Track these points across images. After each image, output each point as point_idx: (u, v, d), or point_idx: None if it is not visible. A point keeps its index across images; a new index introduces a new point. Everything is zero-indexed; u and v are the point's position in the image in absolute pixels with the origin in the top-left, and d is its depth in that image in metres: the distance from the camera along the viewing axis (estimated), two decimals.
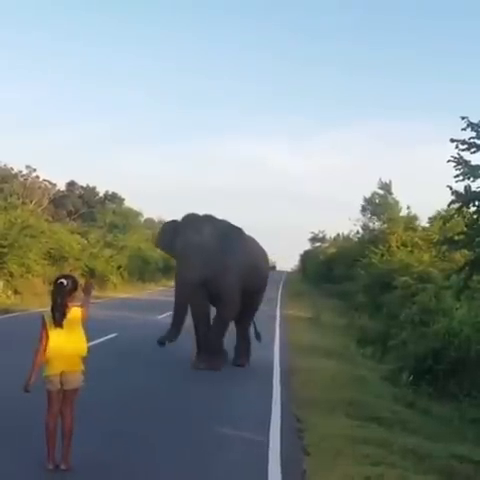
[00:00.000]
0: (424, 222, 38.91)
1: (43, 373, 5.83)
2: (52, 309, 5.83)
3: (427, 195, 74.74)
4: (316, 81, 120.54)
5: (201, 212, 13.15)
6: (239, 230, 12.95)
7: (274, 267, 62.39)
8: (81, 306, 5.93)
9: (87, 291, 6.11)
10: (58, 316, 5.79)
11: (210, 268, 12.18)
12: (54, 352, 5.77)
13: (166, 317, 15.34)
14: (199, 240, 12.30)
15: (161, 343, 12.03)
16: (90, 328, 6.21)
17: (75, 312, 5.85)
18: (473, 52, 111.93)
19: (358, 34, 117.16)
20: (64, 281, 5.89)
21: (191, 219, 12.86)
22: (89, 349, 6.05)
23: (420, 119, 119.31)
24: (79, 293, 6.02)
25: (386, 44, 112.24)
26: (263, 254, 14.43)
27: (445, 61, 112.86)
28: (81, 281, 6.16)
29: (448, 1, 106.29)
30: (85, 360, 6.01)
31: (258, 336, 14.01)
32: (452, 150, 11.94)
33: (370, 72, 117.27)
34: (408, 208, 41.45)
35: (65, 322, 5.80)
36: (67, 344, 5.80)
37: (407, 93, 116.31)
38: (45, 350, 5.79)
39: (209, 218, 12.95)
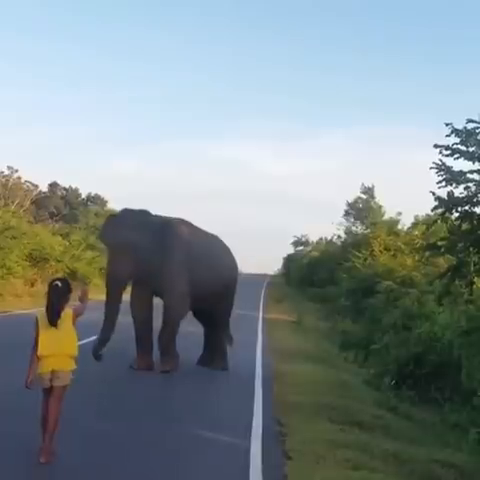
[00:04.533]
0: (407, 226, 39.20)
1: (37, 371, 6.07)
2: (47, 309, 6.10)
3: (411, 199, 75.13)
4: (301, 85, 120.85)
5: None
6: (190, 226, 12.85)
7: None
8: (75, 308, 6.21)
9: (83, 298, 6.38)
10: (53, 316, 6.06)
11: (146, 264, 11.96)
12: (46, 351, 6.01)
13: None
14: (125, 236, 12.05)
15: (97, 357, 11.54)
16: None
17: (67, 313, 6.14)
18: (458, 57, 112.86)
19: (342, 39, 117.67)
20: (59, 283, 6.20)
21: (125, 215, 12.77)
22: None
23: (405, 124, 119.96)
24: (72, 295, 6.27)
25: (371, 49, 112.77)
26: (226, 253, 13.83)
27: (429, 66, 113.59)
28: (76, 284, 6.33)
29: (433, 6, 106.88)
30: (76, 359, 6.22)
31: (230, 340, 13.71)
32: (436, 154, 12.00)
33: (355, 76, 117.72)
34: (400, 214, 41.66)
35: (59, 322, 6.06)
36: (59, 344, 6.06)
37: (392, 97, 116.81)
38: (37, 349, 6.03)
39: (143, 213, 12.73)
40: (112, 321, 11.98)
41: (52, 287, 6.18)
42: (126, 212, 12.86)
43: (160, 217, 12.81)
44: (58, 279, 6.43)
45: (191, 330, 13.86)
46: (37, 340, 6.05)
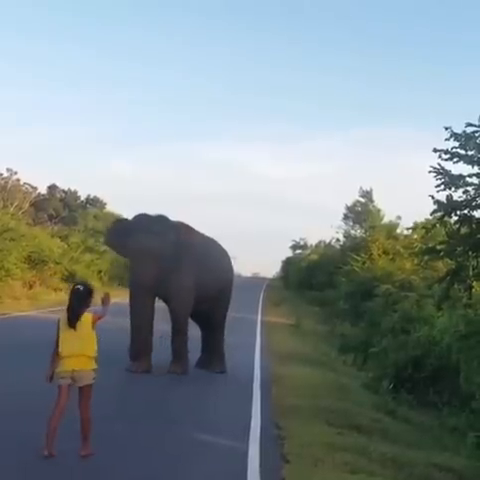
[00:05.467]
0: (406, 229, 39.20)
1: (56, 369, 6.37)
2: (67, 311, 6.41)
3: (410, 203, 75.20)
4: (298, 88, 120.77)
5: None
6: (191, 230, 12.92)
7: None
8: (96, 312, 6.54)
9: (105, 301, 6.67)
10: (72, 318, 6.37)
11: (162, 270, 12.10)
12: (66, 351, 6.33)
13: None
14: (152, 242, 12.16)
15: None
16: None
17: (87, 317, 6.44)
18: (456, 59, 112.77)
19: (340, 42, 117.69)
20: (80, 287, 6.53)
21: (143, 220, 12.75)
22: None
23: (403, 126, 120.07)
24: (94, 300, 6.59)
25: (369, 51, 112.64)
26: (223, 256, 14.04)
27: (428, 68, 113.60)
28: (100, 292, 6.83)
29: (432, 9, 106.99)
30: (96, 360, 6.48)
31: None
32: (435, 157, 12.00)
33: (353, 79, 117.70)
34: (399, 218, 41.68)
35: (78, 325, 6.36)
36: (78, 345, 6.35)
37: (390, 100, 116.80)
38: (57, 349, 6.38)
39: (161, 218, 12.82)
40: (144, 333, 12.11)
41: (74, 291, 6.50)
42: (145, 217, 12.84)
43: (177, 222, 12.89)
44: (80, 283, 6.74)
45: (189, 333, 13.83)
46: (58, 340, 6.39)
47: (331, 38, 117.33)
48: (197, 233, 13.14)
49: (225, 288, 13.59)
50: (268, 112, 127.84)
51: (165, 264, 12.13)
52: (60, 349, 6.35)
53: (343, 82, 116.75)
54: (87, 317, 6.44)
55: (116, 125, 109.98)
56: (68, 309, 6.43)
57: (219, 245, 13.99)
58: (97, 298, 6.66)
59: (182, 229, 12.73)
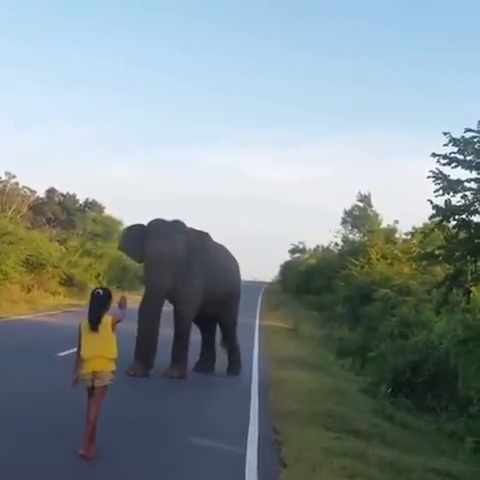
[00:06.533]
0: (404, 233, 39.22)
1: (79, 372, 6.61)
2: (89, 315, 6.66)
3: (409, 207, 75.22)
4: (298, 93, 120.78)
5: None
6: (206, 235, 13.11)
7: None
8: (115, 315, 6.76)
9: (122, 304, 6.95)
10: (94, 321, 6.61)
11: (176, 276, 12.27)
12: (88, 354, 6.57)
13: None
14: (168, 248, 12.31)
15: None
16: (70, 336, 6.37)
17: (107, 320, 6.68)
18: (453, 63, 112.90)
19: (339, 46, 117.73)
20: (100, 292, 6.82)
21: (159, 225, 12.82)
22: (70, 356, 6.22)
23: (401, 131, 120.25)
24: (112, 304, 6.81)
25: (367, 56, 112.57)
26: (231, 261, 14.34)
27: (426, 73, 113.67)
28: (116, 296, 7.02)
29: (431, 12, 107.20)
30: (116, 361, 6.72)
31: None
32: (434, 162, 12.00)
33: (352, 84, 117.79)
34: (396, 222, 41.67)
35: (99, 327, 6.60)
36: (100, 347, 6.60)
37: (388, 105, 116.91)
38: (80, 353, 6.61)
39: (176, 224, 12.94)
40: (150, 338, 12.20)
41: (94, 295, 6.77)
42: (160, 222, 12.91)
43: (191, 228, 13.06)
44: (100, 288, 7.06)
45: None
46: (80, 344, 6.62)
47: (330, 43, 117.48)
48: (207, 238, 13.28)
49: (233, 292, 13.90)
50: (268, 117, 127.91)
51: (178, 269, 12.30)
52: (82, 352, 6.58)
53: (343, 88, 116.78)
54: (107, 320, 6.68)
55: (115, 129, 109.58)
56: (90, 313, 6.66)
57: (227, 250, 14.29)
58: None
59: (193, 235, 12.91)
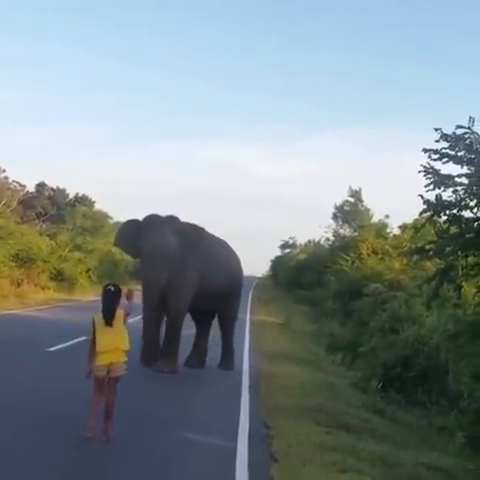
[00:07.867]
0: (395, 229, 39.34)
1: (94, 363, 6.92)
2: (103, 311, 6.98)
3: (403, 201, 75.30)
4: (295, 88, 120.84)
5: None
6: (201, 230, 13.12)
7: None
8: (124, 309, 7.13)
9: (129, 297, 7.39)
10: (108, 317, 6.96)
11: (171, 270, 12.28)
12: (104, 347, 6.89)
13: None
14: (163, 243, 12.37)
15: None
16: (60, 331, 6.36)
17: (119, 313, 7.04)
18: (449, 59, 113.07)
19: (335, 42, 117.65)
20: (112, 288, 7.10)
21: (154, 220, 12.87)
22: (59, 351, 6.23)
23: (401, 126, 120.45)
24: (122, 298, 7.14)
25: (363, 51, 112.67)
26: (231, 255, 14.28)
27: (421, 69, 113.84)
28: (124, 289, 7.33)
29: (429, 10, 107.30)
30: (128, 353, 7.06)
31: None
32: (425, 157, 12.00)
33: (349, 79, 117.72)
34: (387, 217, 41.81)
35: (113, 322, 6.95)
36: (114, 340, 6.96)
37: (387, 100, 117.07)
38: (95, 346, 6.91)
39: (171, 219, 13.00)
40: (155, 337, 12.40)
41: (106, 291, 7.09)
42: (155, 218, 12.96)
43: (185, 223, 13.07)
44: (111, 284, 7.27)
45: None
46: (94, 339, 6.93)
47: (326, 38, 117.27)
48: (205, 233, 13.29)
49: (234, 286, 13.88)
50: (265, 113, 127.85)
51: (173, 264, 12.31)
52: (98, 346, 6.88)
53: (340, 83, 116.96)
54: (120, 314, 7.03)
55: (107, 124, 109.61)
56: (104, 308, 6.98)
57: (227, 244, 14.26)
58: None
59: (190, 229, 12.92)
